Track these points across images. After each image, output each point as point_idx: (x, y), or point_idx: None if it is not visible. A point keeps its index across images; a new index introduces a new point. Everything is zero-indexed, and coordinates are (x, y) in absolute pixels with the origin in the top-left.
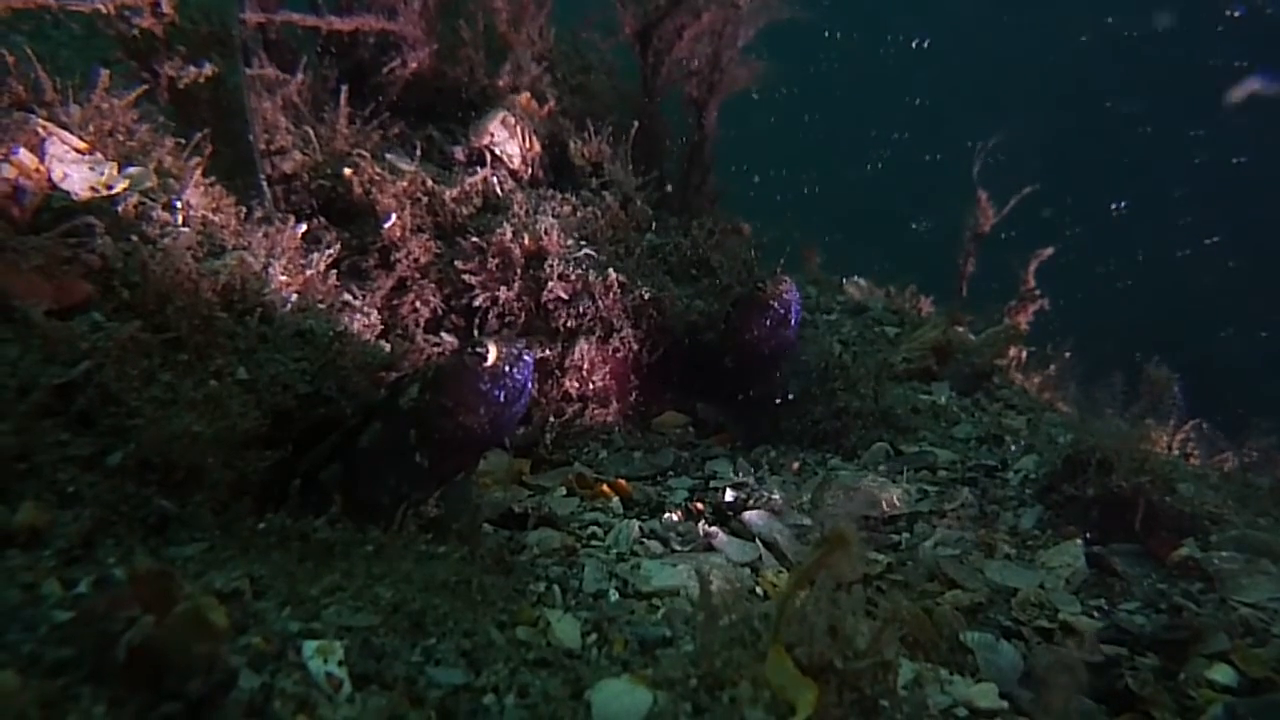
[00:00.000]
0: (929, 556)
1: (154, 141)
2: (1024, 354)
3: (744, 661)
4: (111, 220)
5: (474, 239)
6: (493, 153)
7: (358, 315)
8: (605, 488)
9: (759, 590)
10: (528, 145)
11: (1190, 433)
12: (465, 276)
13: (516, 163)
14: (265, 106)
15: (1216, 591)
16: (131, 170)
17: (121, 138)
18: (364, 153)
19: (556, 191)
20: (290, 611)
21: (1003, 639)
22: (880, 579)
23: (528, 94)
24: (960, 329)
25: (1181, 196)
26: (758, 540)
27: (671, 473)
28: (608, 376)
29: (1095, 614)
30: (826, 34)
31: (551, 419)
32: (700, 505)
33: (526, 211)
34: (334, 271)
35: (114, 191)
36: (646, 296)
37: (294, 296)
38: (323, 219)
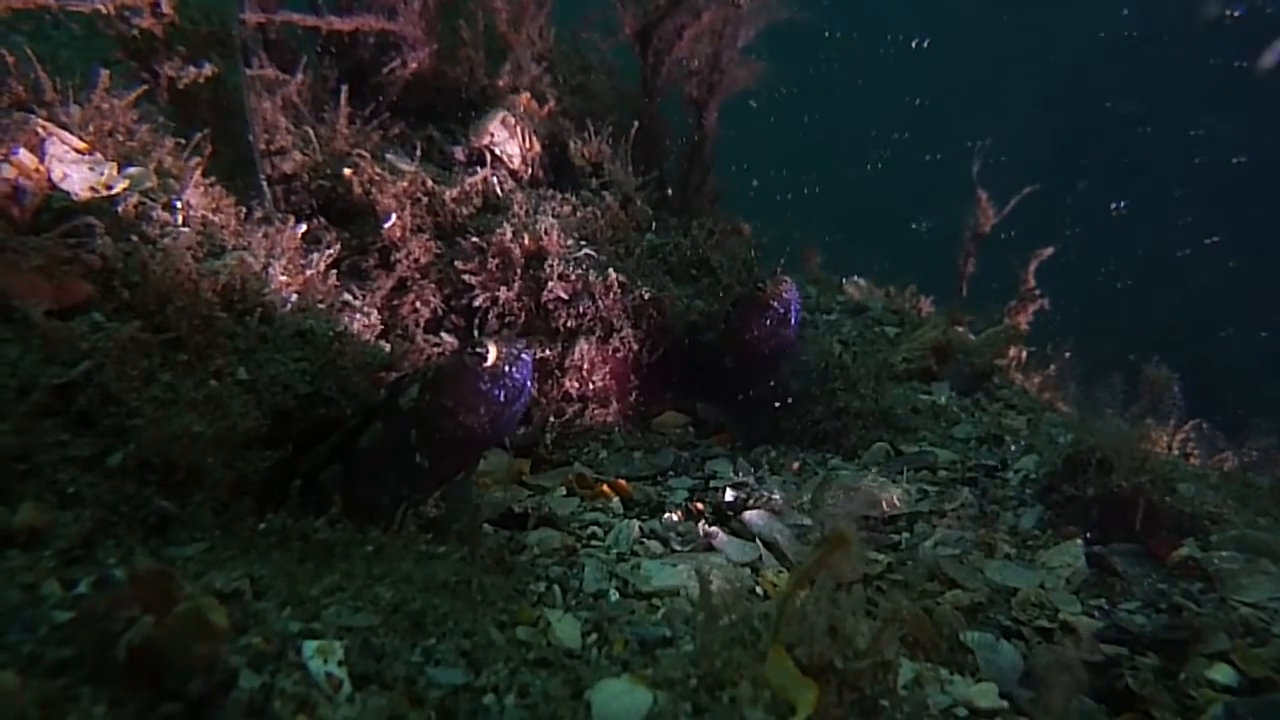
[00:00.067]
0: (929, 556)
1: (154, 142)
2: (1024, 354)
3: (744, 661)
4: (111, 220)
5: (474, 239)
6: (493, 153)
7: (358, 315)
8: (605, 488)
9: (759, 590)
10: (528, 145)
11: (1190, 433)
12: (465, 276)
13: (516, 163)
14: (265, 106)
15: (1217, 591)
16: (131, 170)
17: (121, 138)
18: (364, 153)
19: (556, 191)
20: (290, 612)
21: (1003, 639)
22: (880, 579)
23: (528, 94)
24: (960, 329)
25: (1181, 196)
26: (758, 540)
27: (671, 473)
28: (608, 376)
29: (1095, 614)
30: (826, 34)
31: (551, 419)
32: (700, 505)
33: (526, 211)
34: (334, 271)
35: (114, 192)
36: (646, 296)
37: (294, 296)
38: (323, 219)
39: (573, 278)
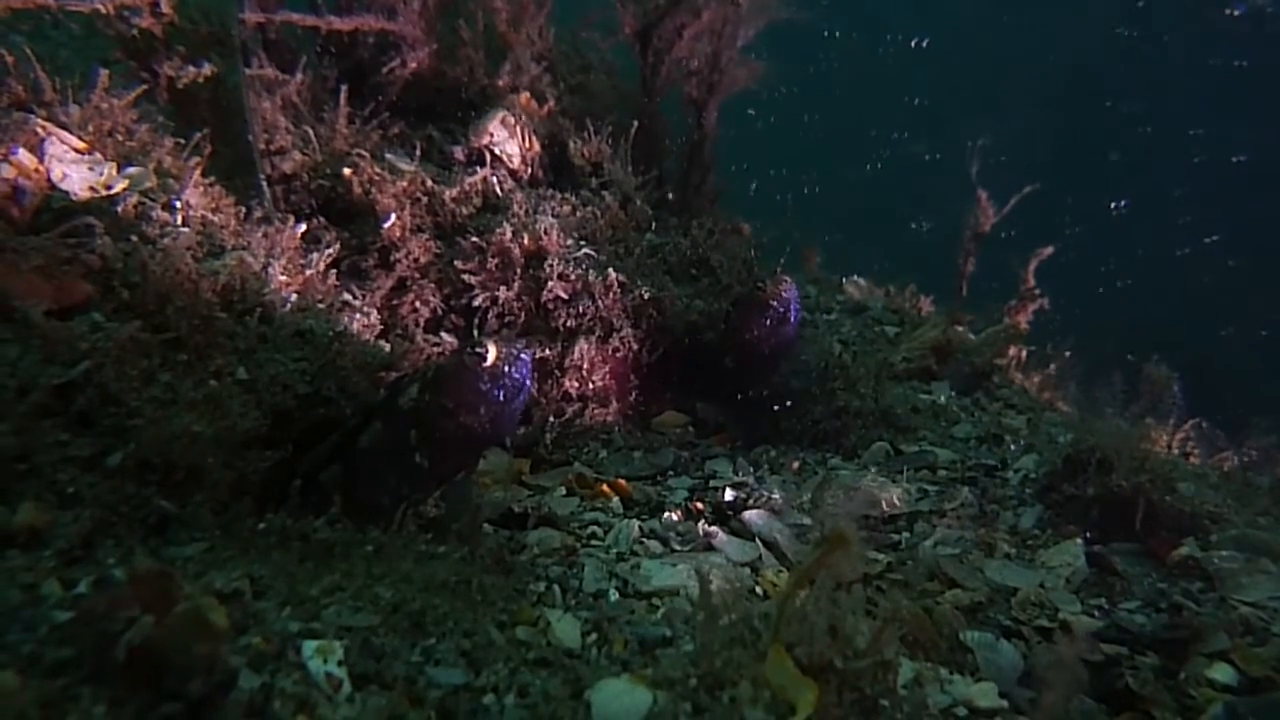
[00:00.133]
0: (929, 556)
1: (153, 141)
2: (1024, 353)
3: (744, 661)
4: (111, 220)
5: (474, 239)
6: (492, 152)
7: (357, 315)
8: (605, 487)
9: (759, 590)
10: (527, 145)
11: (1190, 432)
12: (465, 276)
13: (516, 162)
14: (265, 106)
15: (1216, 590)
16: (131, 170)
17: (121, 138)
18: (363, 152)
19: (556, 191)
20: (290, 611)
21: (1003, 638)
22: (880, 578)
23: (527, 94)
24: (960, 328)
25: (1181, 195)
26: (757, 540)
27: (671, 472)
28: (607, 376)
29: (1095, 613)
30: (826, 33)
31: (551, 419)
32: (700, 505)
33: (526, 211)
34: (334, 271)
35: (113, 191)
36: (646, 296)
37: (294, 296)
38: (322, 219)
39: (572, 277)
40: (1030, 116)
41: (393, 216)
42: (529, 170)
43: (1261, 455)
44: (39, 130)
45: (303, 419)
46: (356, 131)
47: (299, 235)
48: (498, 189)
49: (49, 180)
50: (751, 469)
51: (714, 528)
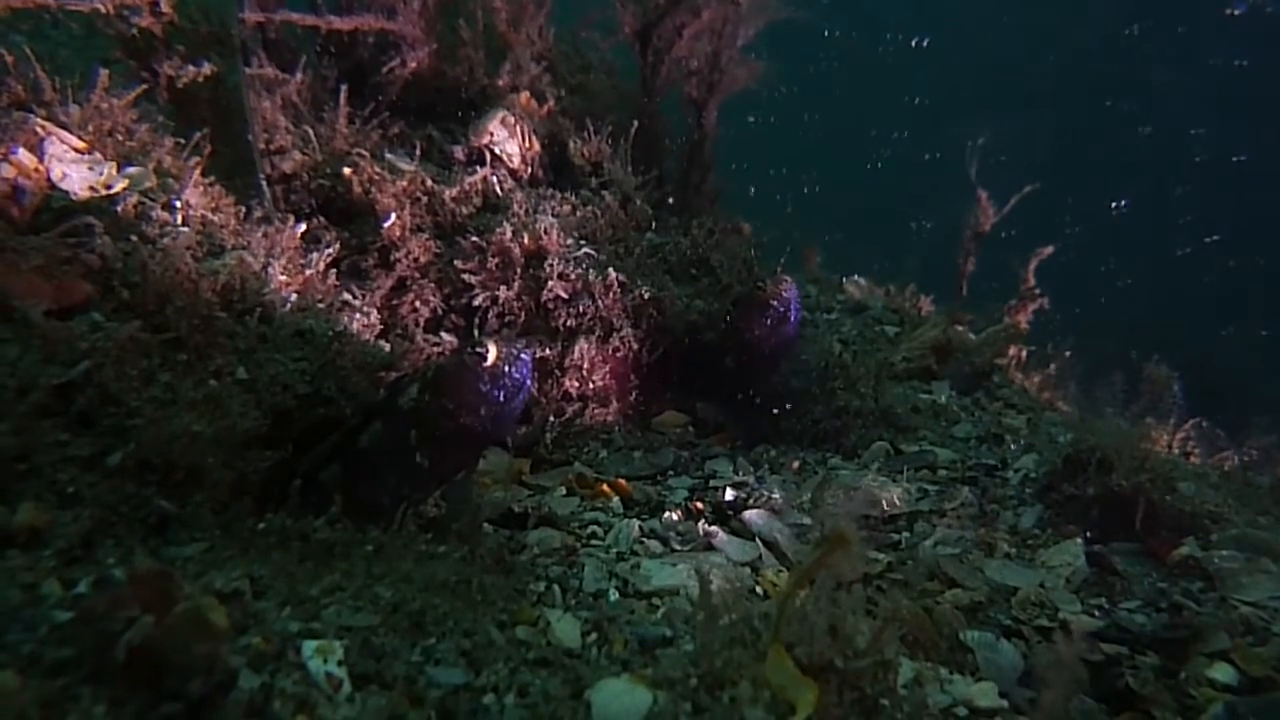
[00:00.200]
0: (929, 555)
1: (153, 141)
2: (1024, 353)
3: (744, 661)
4: (111, 220)
5: (474, 238)
6: (492, 152)
7: (357, 315)
8: (605, 487)
9: (759, 590)
10: (527, 145)
11: (1190, 432)
12: (465, 276)
13: (516, 162)
14: (265, 106)
15: (1217, 590)
16: (131, 170)
17: (121, 137)
18: (363, 152)
19: (556, 191)
20: (290, 611)
21: (1003, 638)
22: (880, 578)
23: (527, 93)
24: (960, 328)
25: (1182, 195)
26: (758, 539)
27: (671, 472)
28: (608, 376)
29: (1096, 613)
30: (826, 33)
31: (551, 418)
32: (700, 505)
33: (526, 211)
34: (333, 271)
35: (113, 191)
36: (646, 296)
37: (293, 296)
38: (322, 218)
39: (572, 277)
40: (1030, 116)
41: (393, 216)
42: (529, 170)
43: (1262, 455)
44: (39, 130)
45: (303, 419)
46: (356, 131)
47: (299, 235)
48: (498, 189)
49: (49, 180)
50: (752, 469)
51: (714, 527)
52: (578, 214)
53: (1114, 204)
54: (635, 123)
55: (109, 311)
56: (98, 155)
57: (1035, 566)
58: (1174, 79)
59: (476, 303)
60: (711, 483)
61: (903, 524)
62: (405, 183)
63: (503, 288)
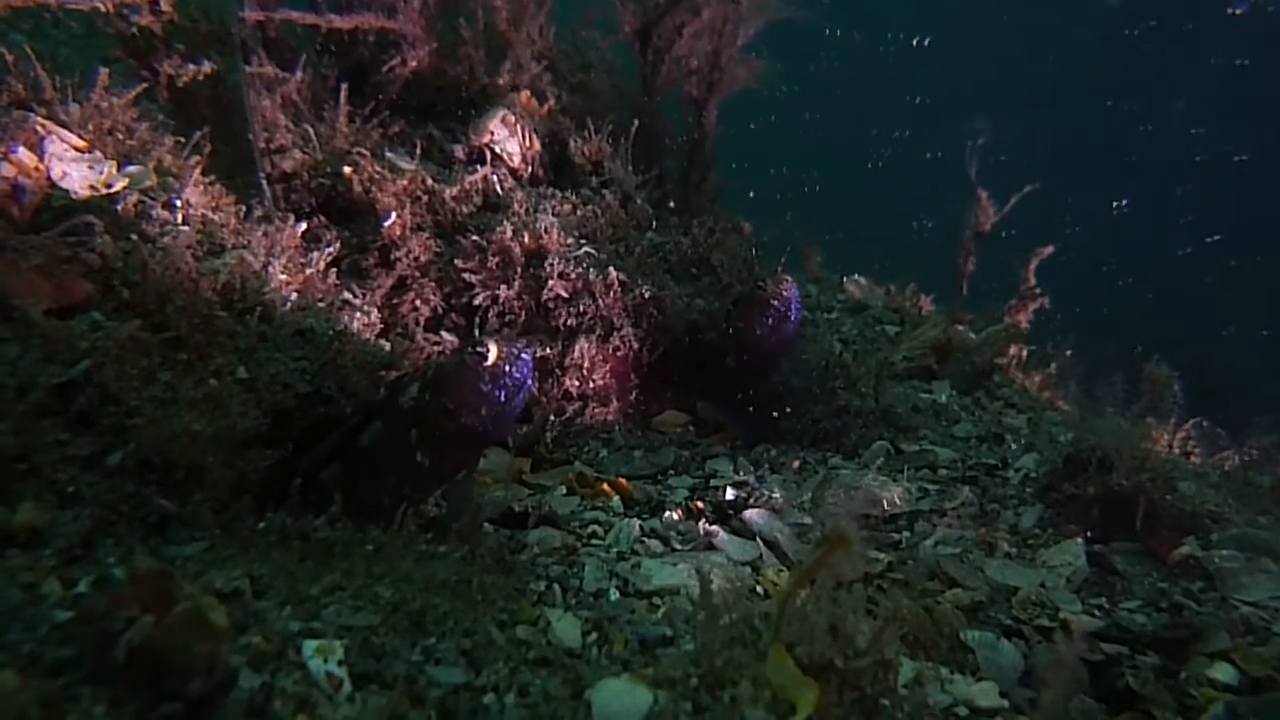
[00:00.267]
0: (929, 555)
1: (153, 140)
2: (1024, 352)
3: (744, 661)
4: (111, 219)
5: (474, 237)
6: (493, 151)
7: (358, 314)
8: (606, 486)
9: (759, 589)
10: (528, 143)
11: (1191, 431)
12: (465, 275)
13: (516, 161)
14: (265, 105)
15: (1217, 590)
16: (131, 169)
17: (121, 136)
18: (364, 151)
19: (556, 190)
20: (290, 611)
21: (1003, 638)
22: (881, 578)
23: (528, 92)
24: (960, 327)
25: (1182, 195)
26: (758, 539)
27: (672, 471)
28: (608, 375)
29: (1096, 613)
30: (826, 32)
31: (552, 418)
32: (701, 504)
33: (526, 210)
34: (334, 270)
35: (113, 190)
36: (647, 295)
37: (294, 295)
38: (322, 217)
39: (573, 276)
40: (1031, 115)
41: (393, 215)
42: (529, 169)
43: (1262, 455)
44: (39, 128)
45: (303, 418)
46: (357, 130)
47: (299, 234)
48: (498, 188)
49: (49, 179)
50: (752, 468)
51: (715, 527)
52: (578, 213)
53: (1115, 203)
54: (636, 122)
55: (109, 310)
56: (98, 154)
57: (1036, 566)
58: (1175, 78)
59: (477, 302)
60: (712, 482)
61: (903, 523)
62: (406, 182)
63: (503, 287)
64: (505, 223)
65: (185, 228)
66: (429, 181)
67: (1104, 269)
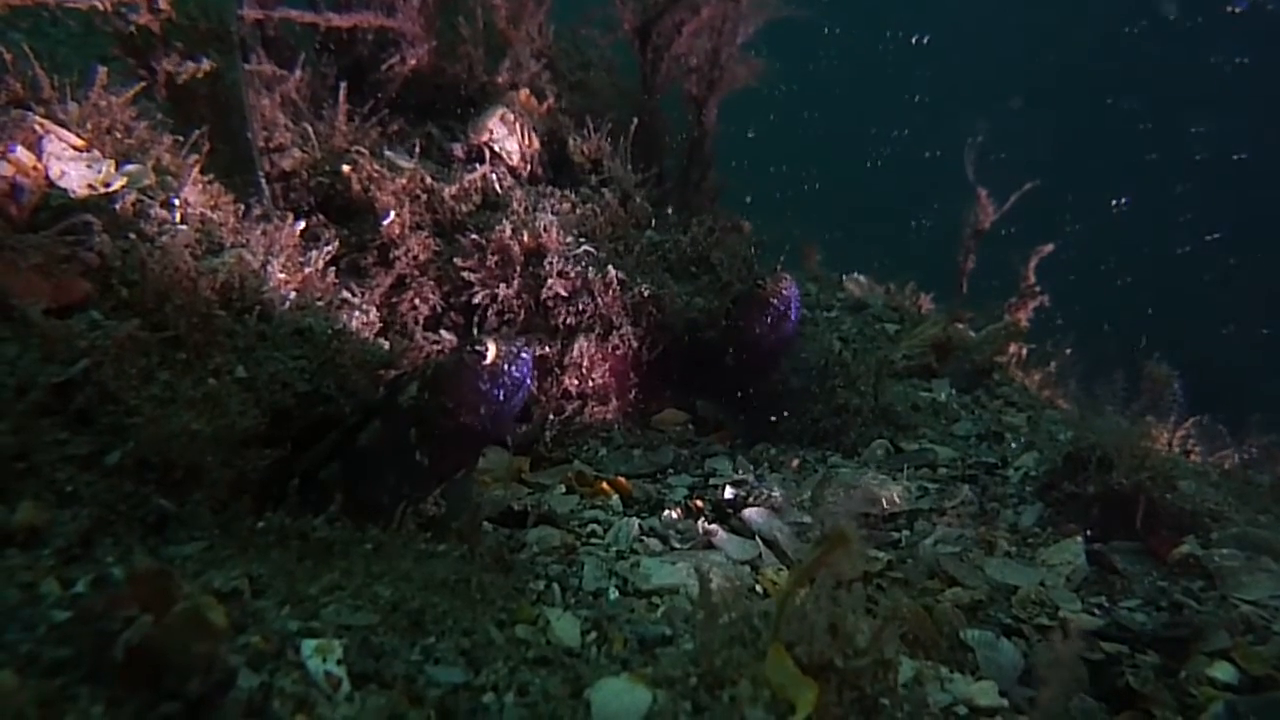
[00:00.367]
0: (929, 554)
1: (152, 139)
2: (1024, 351)
3: (744, 660)
4: (109, 218)
5: (473, 236)
6: (492, 150)
7: (357, 313)
8: (605, 485)
9: (759, 588)
10: (527, 142)
11: (1191, 430)
12: (464, 274)
13: (515, 160)
14: (264, 103)
15: (1217, 589)
16: (129, 168)
17: (119, 135)
18: (363, 150)
19: (556, 188)
20: (289, 610)
21: (1003, 637)
22: (880, 577)
23: (527, 91)
24: (960, 326)
25: (1182, 193)
26: (758, 538)
27: (671, 470)
28: (607, 374)
29: (1096, 611)
30: (826, 30)
31: (551, 416)
32: (700, 503)
33: (526, 208)
34: (333, 269)
35: (112, 189)
36: (646, 294)
37: (293, 294)
38: (321, 216)
39: (572, 275)
40: (1030, 113)
41: (392, 214)
42: (528, 167)
43: (1262, 453)
44: (37, 128)
45: (302, 417)
46: (356, 128)
47: (298, 233)
48: (497, 186)
49: (47, 178)
50: (751, 467)
51: (714, 526)
52: (577, 211)
53: (1114, 202)
54: (635, 120)
55: (108, 310)
56: (96, 153)
57: (1035, 565)
58: (1175, 76)
59: (476, 301)
60: (711, 481)
61: (903, 522)
62: (404, 180)
63: (502, 285)
64: (504, 221)
65: (184, 226)
66: (428, 180)
67: (1104, 267)
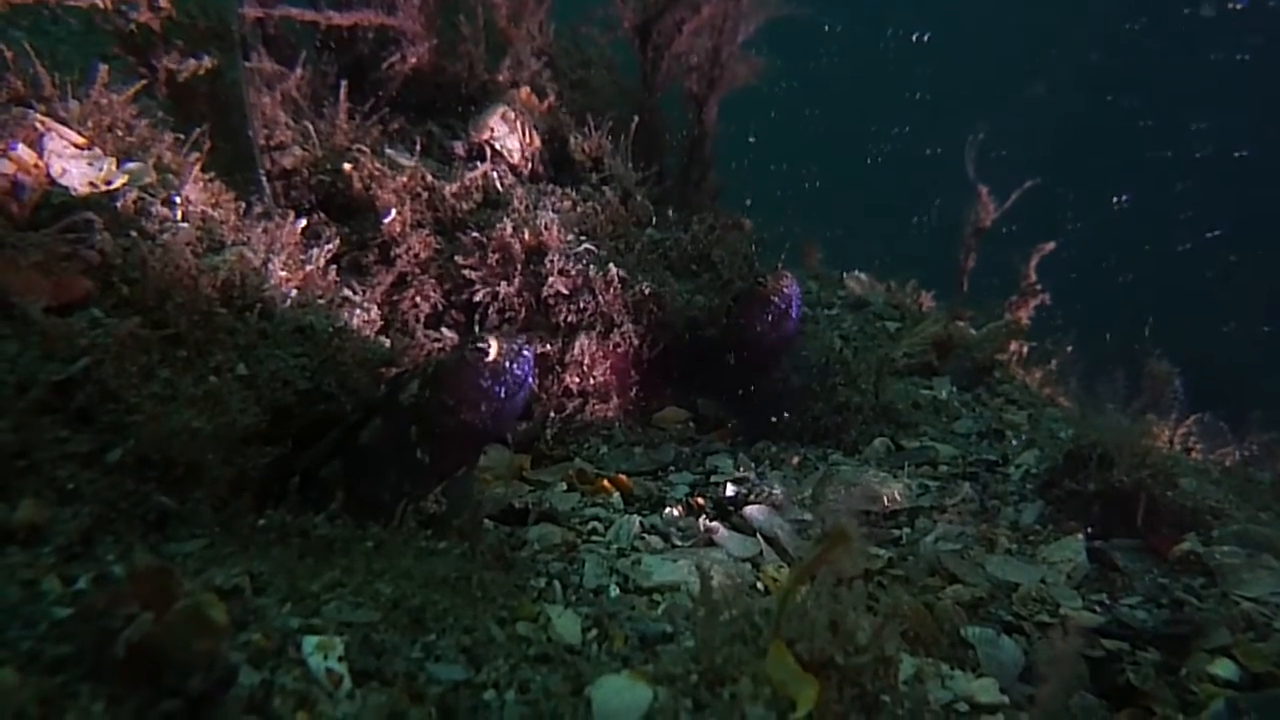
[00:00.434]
0: (930, 551)
1: (153, 137)
2: (1025, 349)
3: (745, 657)
4: (110, 216)
5: (474, 234)
6: (493, 148)
7: (358, 311)
8: (606, 483)
9: (760, 585)
10: (528, 140)
11: (1192, 427)
12: (465, 272)
13: (516, 158)
14: (264, 101)
15: (1218, 586)
16: (130, 165)
17: (120, 133)
18: (364, 148)
19: (557, 186)
20: (290, 608)
21: (1004, 634)
22: (881, 574)
23: (528, 89)
24: (961, 324)
25: (1183, 190)
26: (759, 535)
27: (672, 468)
28: (608, 372)
29: (1097, 609)
30: (827, 29)
31: (552, 414)
32: (701, 500)
33: (527, 206)
34: (334, 267)
35: (113, 187)
36: (647, 292)
37: (294, 292)
38: (322, 214)
39: (573, 273)
40: (1031, 111)
41: (393, 212)
42: (529, 165)
43: (1263, 450)
44: (38, 125)
45: (303, 415)
46: (356, 127)
47: (299, 231)
48: (498, 184)
49: (48, 176)
50: (752, 464)
51: (715, 523)
52: (578, 210)
53: (1115, 199)
54: (636, 118)
55: (108, 307)
56: (97, 151)
57: (1036, 562)
58: (1175, 73)
59: (477, 299)
60: (712, 478)
61: (903, 520)
62: (405, 178)
63: (503, 283)
64: (505, 219)
65: (185, 224)
66: (429, 178)
67: (1104, 265)
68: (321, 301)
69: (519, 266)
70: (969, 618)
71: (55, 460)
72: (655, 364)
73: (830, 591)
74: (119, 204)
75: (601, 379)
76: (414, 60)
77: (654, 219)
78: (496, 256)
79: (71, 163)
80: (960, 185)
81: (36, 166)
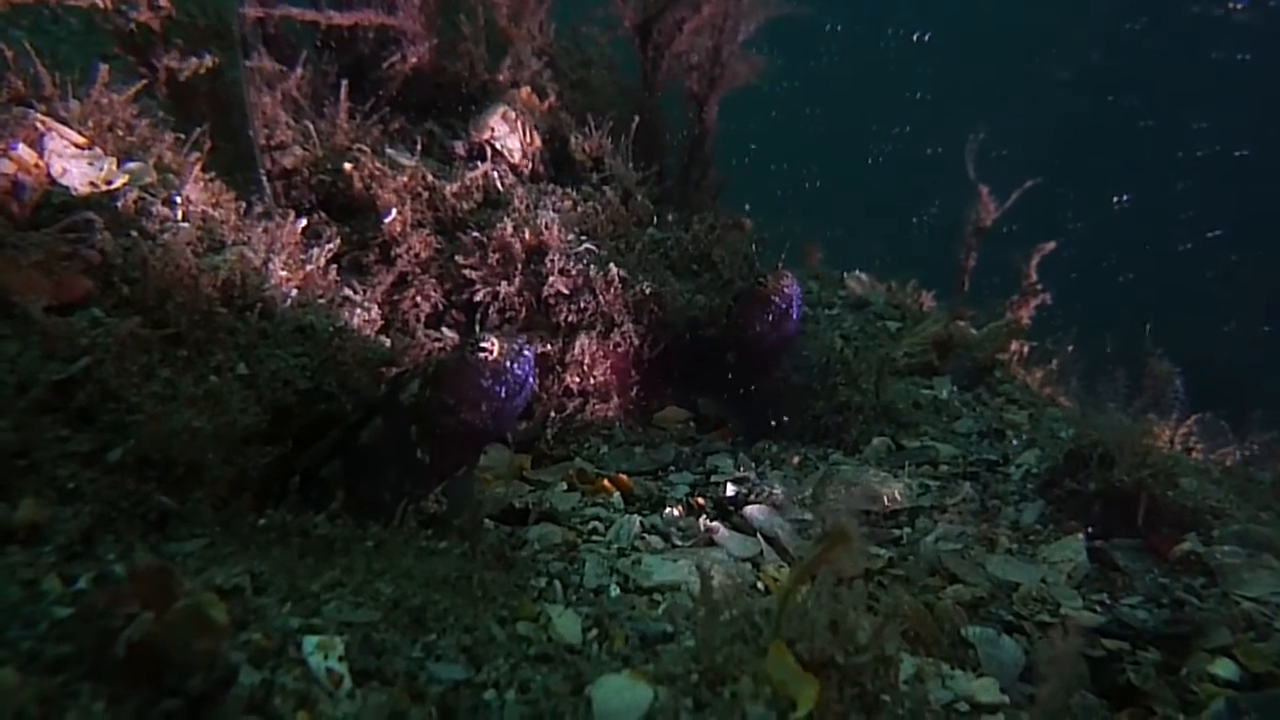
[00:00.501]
0: (930, 551)
1: (153, 136)
2: (1026, 348)
3: (745, 657)
4: (111, 216)
5: (475, 234)
6: (493, 147)
7: (358, 310)
8: (606, 483)
9: (760, 585)
10: (528, 140)
11: (1192, 427)
12: (466, 271)
13: (517, 157)
14: (265, 101)
15: (1218, 586)
16: (131, 165)
17: (121, 133)
18: (364, 148)
19: (557, 186)
20: (291, 607)
21: (1004, 634)
22: (881, 574)
23: (528, 89)
24: (962, 323)
25: (1183, 190)
26: (759, 535)
27: (673, 468)
28: (609, 371)
29: (1097, 608)
30: (827, 28)
31: (552, 414)
32: (701, 500)
33: (527, 206)
34: (334, 267)
35: (113, 187)
36: (647, 291)
37: (294, 292)
38: (323, 214)
39: (573, 273)
40: (1032, 111)
41: (393, 212)
42: (530, 165)
43: (1264, 450)
44: (39, 125)
45: (303, 415)
46: (357, 126)
47: (299, 230)
48: (499, 184)
49: (49, 175)
50: (753, 464)
51: (715, 523)
52: (579, 209)
53: (1116, 199)
54: (636, 118)
55: (109, 307)
56: (98, 150)
57: (1037, 562)
58: (1176, 72)
59: (477, 298)
60: (713, 478)
61: (904, 519)
62: (406, 178)
63: (504, 283)
64: (506, 219)
65: (185, 224)
66: (429, 178)
67: (1105, 265)
68: (322, 301)
69: (519, 266)
70: (969, 617)
71: (56, 459)
72: (656, 364)
73: (830, 591)
74: (119, 204)
75: (602, 379)
76: (414, 60)
77: (654, 218)
78: (497, 256)
79: (72, 162)
80: (961, 185)
81: (37, 166)
